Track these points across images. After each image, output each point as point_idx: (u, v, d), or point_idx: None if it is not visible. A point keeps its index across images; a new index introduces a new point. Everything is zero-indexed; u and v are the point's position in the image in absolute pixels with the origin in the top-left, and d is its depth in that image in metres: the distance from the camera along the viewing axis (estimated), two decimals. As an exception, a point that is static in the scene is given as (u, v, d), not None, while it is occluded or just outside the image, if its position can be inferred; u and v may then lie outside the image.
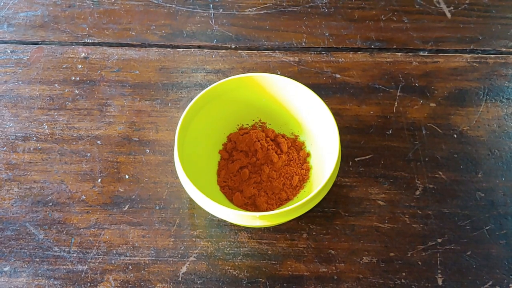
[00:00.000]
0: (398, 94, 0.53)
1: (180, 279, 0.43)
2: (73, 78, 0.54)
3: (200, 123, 0.47)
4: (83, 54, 0.56)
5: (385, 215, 0.46)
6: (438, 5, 0.60)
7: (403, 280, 0.43)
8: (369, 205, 0.46)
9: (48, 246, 0.44)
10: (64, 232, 0.45)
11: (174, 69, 0.55)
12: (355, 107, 0.52)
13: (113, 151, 0.50)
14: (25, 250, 0.44)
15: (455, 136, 0.50)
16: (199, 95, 0.45)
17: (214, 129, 0.48)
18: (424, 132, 0.51)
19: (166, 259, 0.44)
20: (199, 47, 0.57)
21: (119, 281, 0.43)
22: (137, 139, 0.50)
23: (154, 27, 0.58)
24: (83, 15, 0.59)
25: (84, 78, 0.54)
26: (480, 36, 0.57)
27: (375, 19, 0.59)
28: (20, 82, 0.54)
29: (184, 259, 0.44)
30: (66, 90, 0.53)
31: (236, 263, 0.44)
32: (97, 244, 0.44)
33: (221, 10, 0.60)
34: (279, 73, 0.54)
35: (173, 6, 0.60)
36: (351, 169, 0.48)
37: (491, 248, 0.44)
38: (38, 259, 0.44)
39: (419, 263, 0.44)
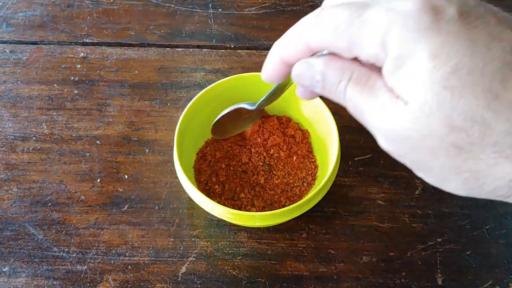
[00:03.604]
0: (397, 93, 0.53)
1: (179, 279, 0.43)
2: (72, 78, 0.54)
3: (200, 123, 0.47)
4: (82, 54, 0.56)
5: (385, 215, 0.46)
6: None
7: (403, 280, 0.43)
8: (369, 204, 0.46)
9: (47, 246, 0.44)
10: (63, 232, 0.45)
11: (173, 69, 0.55)
12: (355, 106, 0.52)
13: (112, 151, 0.50)
14: (24, 251, 0.44)
15: (455, 135, 0.50)
16: (198, 94, 0.45)
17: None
18: (423, 131, 0.50)
19: (165, 259, 0.44)
20: (198, 46, 0.57)
21: (118, 281, 0.43)
22: (136, 139, 0.50)
23: (153, 26, 0.58)
24: (82, 15, 0.59)
25: (83, 78, 0.54)
26: (479, 35, 0.57)
27: (374, 19, 0.59)
28: (19, 82, 0.54)
29: (184, 259, 0.44)
30: (65, 90, 0.53)
31: (236, 263, 0.44)
32: (96, 244, 0.44)
33: (220, 10, 0.60)
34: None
35: (172, 5, 0.60)
36: (350, 168, 0.48)
37: (491, 248, 0.44)
38: (37, 259, 0.44)
39: (419, 262, 0.43)
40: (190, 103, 0.45)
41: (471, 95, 0.22)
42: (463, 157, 0.23)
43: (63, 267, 0.43)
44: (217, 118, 0.44)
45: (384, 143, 0.26)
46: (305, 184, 0.45)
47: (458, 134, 0.23)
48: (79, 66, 0.55)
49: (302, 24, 0.27)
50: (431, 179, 0.26)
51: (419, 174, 0.26)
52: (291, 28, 0.28)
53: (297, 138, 0.47)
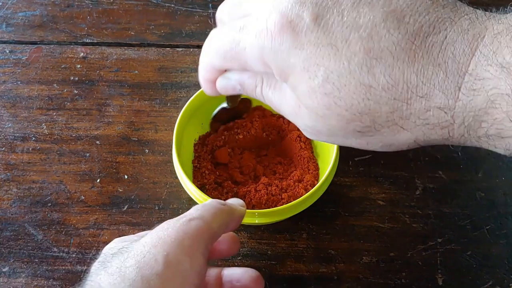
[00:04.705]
0: (398, 93, 0.53)
1: (179, 279, 0.43)
2: (72, 78, 0.54)
3: (198, 121, 0.47)
4: (82, 54, 0.56)
5: (385, 215, 0.46)
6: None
7: (403, 280, 0.43)
8: (369, 205, 0.46)
9: (47, 247, 0.44)
10: (63, 233, 0.45)
11: (173, 69, 0.55)
12: (355, 106, 0.52)
13: (112, 151, 0.50)
14: (24, 251, 0.44)
15: (455, 135, 0.50)
16: (196, 93, 0.45)
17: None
18: (424, 131, 0.50)
19: (165, 259, 0.44)
20: (198, 46, 0.57)
21: (118, 282, 0.42)
22: (136, 139, 0.50)
23: (153, 26, 0.58)
24: (82, 15, 0.59)
25: (83, 78, 0.54)
26: (480, 35, 0.57)
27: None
28: (19, 82, 0.54)
29: (184, 260, 0.44)
30: (65, 90, 0.53)
31: (236, 264, 0.43)
32: (96, 245, 0.44)
33: (220, 10, 0.60)
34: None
35: (172, 5, 0.60)
36: (351, 168, 0.48)
37: (491, 248, 0.44)
38: (37, 260, 0.44)
39: (419, 263, 0.43)
40: (188, 102, 0.45)
41: (349, 93, 0.25)
42: (368, 135, 0.27)
43: (63, 267, 0.43)
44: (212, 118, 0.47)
45: (305, 134, 0.30)
46: (308, 184, 0.45)
47: (354, 123, 0.26)
48: (79, 66, 0.55)
49: (203, 48, 0.31)
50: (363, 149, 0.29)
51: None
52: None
53: (302, 138, 0.47)
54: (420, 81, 0.24)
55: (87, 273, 0.32)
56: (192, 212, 0.32)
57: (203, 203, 0.34)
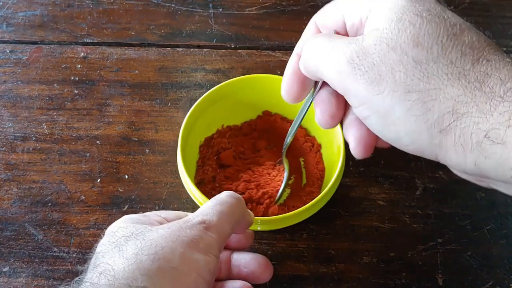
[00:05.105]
0: (398, 93, 0.53)
1: (179, 279, 0.43)
2: (72, 78, 0.54)
3: (205, 123, 0.46)
4: (82, 54, 0.56)
5: (385, 215, 0.46)
6: (438, 4, 0.60)
7: (403, 280, 0.43)
8: (369, 205, 0.46)
9: (47, 247, 0.44)
10: (64, 233, 0.45)
11: (173, 69, 0.55)
12: (355, 106, 0.52)
13: (113, 151, 0.50)
14: (25, 251, 0.44)
15: (455, 135, 0.50)
16: (205, 94, 0.45)
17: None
18: (424, 131, 0.50)
19: (165, 259, 0.44)
20: (198, 46, 0.57)
21: (118, 282, 0.42)
22: (137, 139, 0.50)
23: (153, 26, 0.58)
24: (82, 14, 0.59)
25: (83, 78, 0.54)
26: (480, 35, 0.57)
27: (375, 19, 0.58)
28: (19, 82, 0.54)
29: (184, 260, 0.44)
30: (65, 90, 0.53)
31: (236, 263, 0.43)
32: (96, 245, 0.44)
33: (220, 10, 0.60)
34: (278, 73, 0.54)
35: (173, 5, 0.60)
36: (351, 169, 0.48)
37: (491, 248, 0.44)
38: (37, 260, 0.44)
39: (420, 263, 0.43)
40: (196, 102, 0.44)
41: (436, 26, 0.28)
42: (418, 73, 0.27)
43: (63, 267, 0.43)
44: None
45: (344, 65, 0.28)
46: (313, 189, 0.45)
47: (420, 51, 0.27)
48: (79, 66, 0.55)
49: None
50: (376, 114, 0.28)
51: (364, 111, 0.29)
52: None
53: (315, 144, 0.47)
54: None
55: (92, 252, 0.31)
56: (210, 216, 0.33)
57: (221, 199, 0.35)
